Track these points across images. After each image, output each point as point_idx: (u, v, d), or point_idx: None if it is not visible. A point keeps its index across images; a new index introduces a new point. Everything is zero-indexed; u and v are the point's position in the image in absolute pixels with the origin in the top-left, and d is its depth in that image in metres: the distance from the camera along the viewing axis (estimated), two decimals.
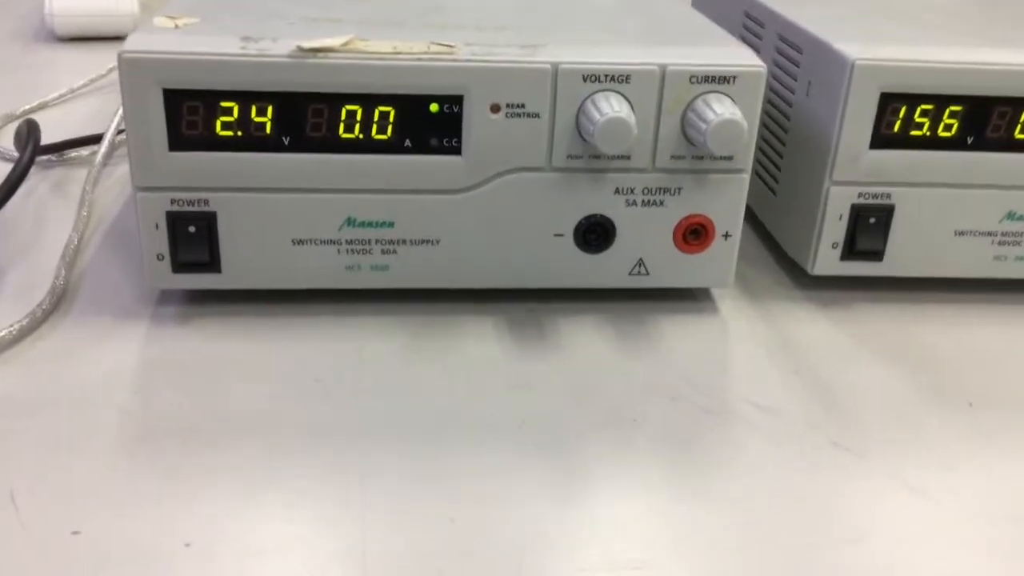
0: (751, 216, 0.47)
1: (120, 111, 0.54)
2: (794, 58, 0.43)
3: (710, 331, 0.40)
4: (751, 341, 0.39)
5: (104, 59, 0.71)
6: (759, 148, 0.46)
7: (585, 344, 0.38)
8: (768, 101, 0.46)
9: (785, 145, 0.44)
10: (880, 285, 0.43)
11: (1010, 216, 0.41)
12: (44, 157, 0.53)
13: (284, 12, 0.39)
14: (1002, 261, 0.41)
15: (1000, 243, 0.41)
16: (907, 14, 0.46)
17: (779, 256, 0.45)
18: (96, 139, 0.53)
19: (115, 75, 0.68)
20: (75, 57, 0.74)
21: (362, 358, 0.37)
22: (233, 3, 0.41)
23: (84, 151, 0.54)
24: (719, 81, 0.36)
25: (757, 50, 0.47)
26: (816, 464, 0.32)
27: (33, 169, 0.53)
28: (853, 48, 0.38)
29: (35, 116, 0.59)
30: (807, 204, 0.41)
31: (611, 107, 0.35)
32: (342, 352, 0.37)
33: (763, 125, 0.46)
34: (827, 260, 0.41)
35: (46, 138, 0.53)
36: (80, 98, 0.65)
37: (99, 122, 0.59)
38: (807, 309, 0.41)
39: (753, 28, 0.49)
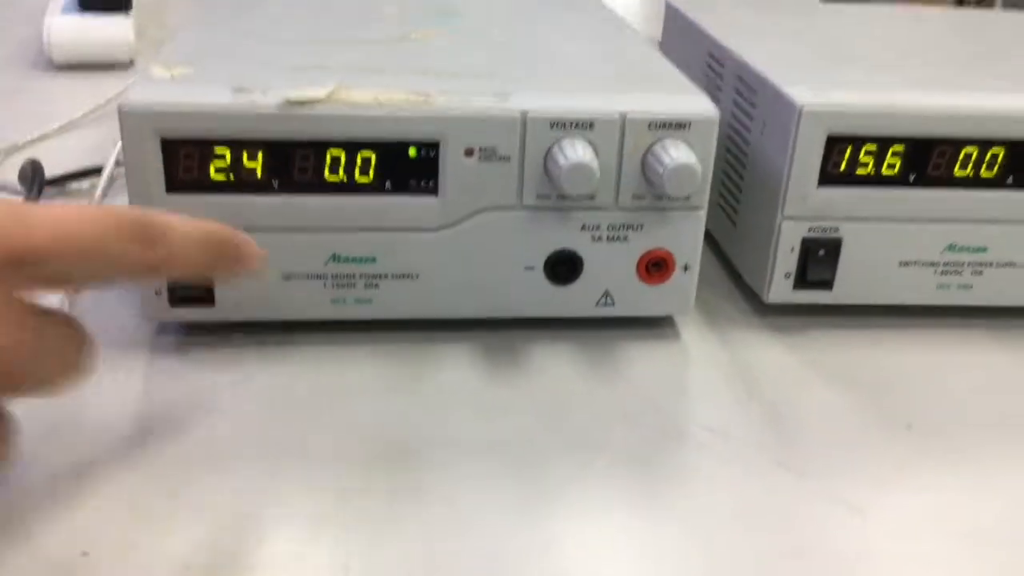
0: (715, 245, 0.50)
1: (120, 144, 0.56)
2: (750, 99, 0.46)
3: (672, 357, 0.42)
4: (710, 366, 0.42)
5: (101, 88, 0.74)
6: (722, 181, 0.49)
7: (555, 370, 0.41)
8: (729, 138, 0.49)
9: (743, 180, 0.47)
10: (831, 312, 0.45)
11: (951, 248, 0.44)
12: (47, 190, 0.56)
13: (272, 59, 0.42)
14: (945, 289, 0.44)
15: (943, 272, 0.44)
16: (859, 53, 0.50)
17: (739, 284, 0.48)
18: (96, 171, 0.56)
19: (113, 106, 0.70)
20: (73, 85, 0.77)
21: (345, 384, 0.39)
22: (224, 50, 0.44)
23: (85, 183, 0.56)
24: (675, 127, 0.39)
25: (719, 89, 0.50)
26: (762, 484, 0.35)
27: (35, 202, 0.56)
28: (801, 93, 0.41)
29: (35, 147, 0.62)
30: (762, 237, 0.44)
31: (576, 152, 0.38)
32: (327, 380, 0.40)
33: (725, 160, 0.49)
34: (781, 289, 0.44)
35: (47, 170, 0.55)
36: (79, 128, 0.67)
37: (99, 152, 0.61)
38: (763, 336, 0.44)
39: (715, 68, 0.52)
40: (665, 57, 0.47)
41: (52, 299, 0.43)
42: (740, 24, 0.55)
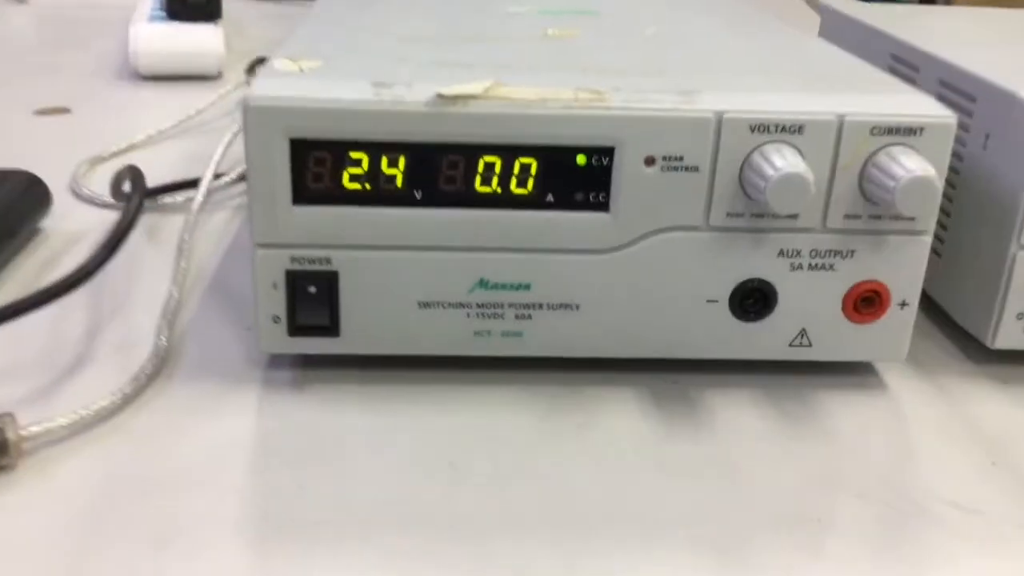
0: None
1: (217, 155, 0.51)
2: (965, 107, 0.39)
3: (881, 411, 0.35)
4: (930, 424, 0.34)
5: (189, 99, 0.69)
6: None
7: (742, 424, 0.34)
8: None
9: (952, 202, 0.39)
10: None
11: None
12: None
13: (408, 55, 0.36)
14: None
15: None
16: None
17: (947, 325, 0.40)
18: (192, 184, 0.51)
19: (203, 117, 0.66)
20: (159, 97, 0.73)
21: (495, 435, 0.33)
22: (352, 44, 0.38)
23: (179, 197, 0.51)
24: (904, 133, 0.32)
25: None
26: None
27: None
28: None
29: (120, 159, 0.58)
30: (986, 270, 0.37)
31: (786, 161, 0.31)
32: (473, 428, 0.33)
33: None
34: (1011, 332, 0.36)
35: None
36: (168, 140, 0.63)
37: (188, 166, 0.57)
38: (985, 387, 0.37)
39: (903, 72, 0.45)
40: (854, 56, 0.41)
41: (150, 324, 0.38)
42: (926, 25, 0.48)
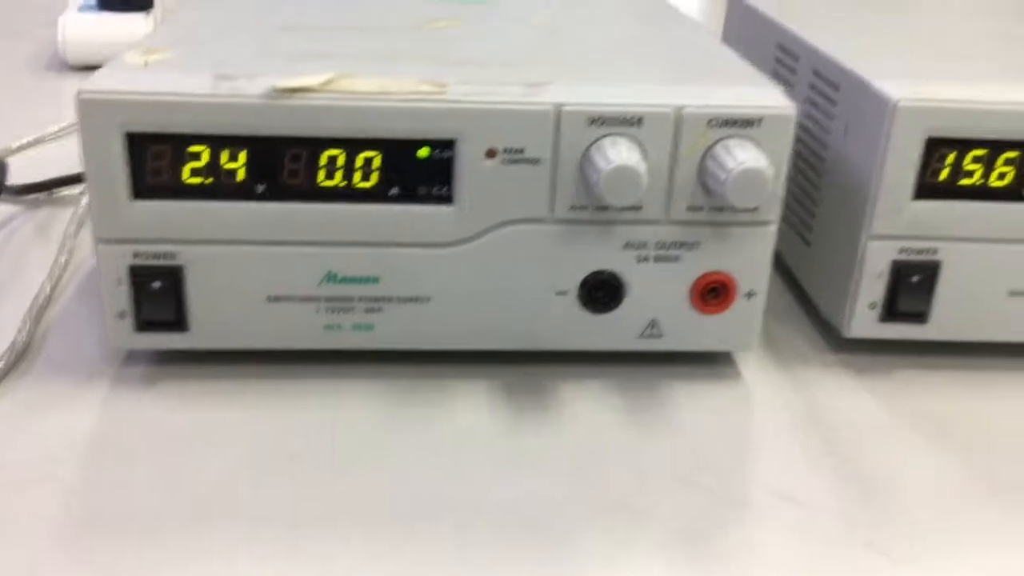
0: (783, 268, 0.43)
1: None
2: (830, 96, 0.39)
3: (731, 402, 0.35)
4: (777, 415, 0.35)
5: None
6: (792, 193, 0.42)
7: (590, 417, 0.34)
8: (802, 142, 0.41)
9: (819, 191, 0.40)
10: (924, 351, 0.38)
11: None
12: (32, 196, 0.51)
13: (269, 45, 0.36)
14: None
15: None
16: (958, 44, 0.42)
17: (813, 315, 0.41)
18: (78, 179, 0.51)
19: None
20: None
21: (337, 429, 0.33)
22: (215, 34, 0.38)
23: (76, 189, 0.51)
24: (742, 124, 0.32)
25: (791, 86, 0.43)
26: (849, 570, 0.28)
27: (21, 207, 0.51)
28: (895, 87, 0.34)
29: (30, 151, 0.57)
30: (843, 259, 0.37)
31: (619, 154, 0.31)
32: (316, 422, 0.33)
33: (796, 168, 0.42)
34: (864, 322, 0.37)
35: (41, 173, 0.51)
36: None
37: None
38: (841, 377, 0.37)
39: (787, 62, 0.45)
40: (727, 46, 0.41)
41: (17, 317, 0.38)
42: (814, 13, 0.48)
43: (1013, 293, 0.36)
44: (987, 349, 0.38)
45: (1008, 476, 0.32)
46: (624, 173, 0.31)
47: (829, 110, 0.39)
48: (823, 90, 0.40)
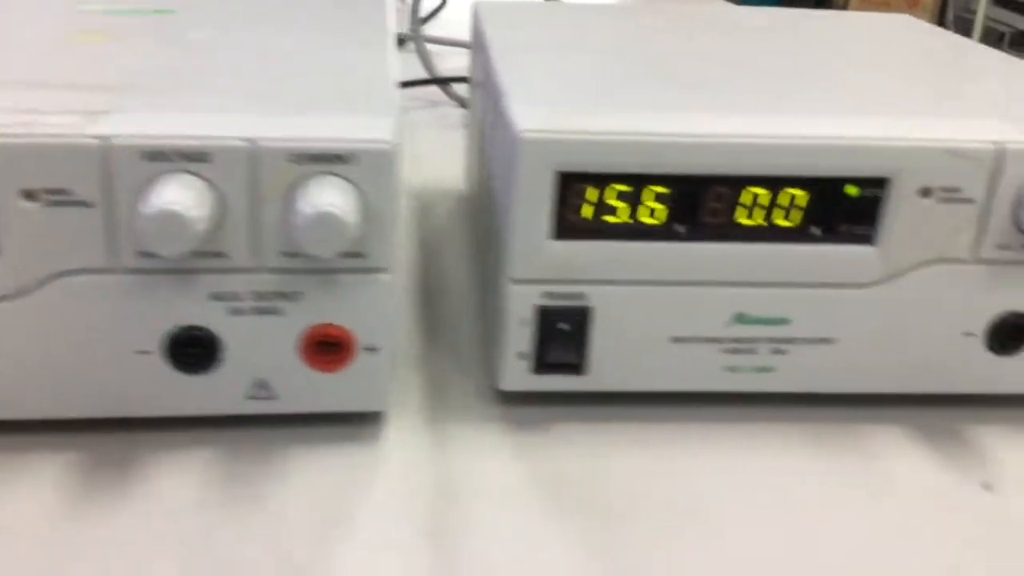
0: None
1: None
2: (496, 124, 0.35)
3: (351, 470, 0.31)
4: (405, 483, 0.31)
5: None
6: (479, 234, 0.39)
7: (176, 493, 0.29)
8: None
9: (488, 232, 0.36)
10: (589, 401, 0.34)
11: (740, 319, 0.33)
12: None
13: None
14: (736, 373, 0.34)
15: (729, 351, 0.33)
16: (627, 63, 0.38)
17: None
18: None
19: None
20: None
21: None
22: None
23: None
24: (331, 160, 0.28)
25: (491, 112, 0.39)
26: None
27: None
28: (529, 114, 0.31)
29: None
30: (493, 305, 0.33)
31: (170, 195, 0.27)
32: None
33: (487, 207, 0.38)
34: (516, 373, 0.33)
35: None
36: None
37: None
38: (495, 434, 0.33)
39: (482, 81, 0.41)
40: (391, 68, 0.36)
41: None
42: (526, 29, 0.45)
43: (675, 340, 0.33)
44: (654, 399, 0.34)
45: (628, 554, 0.28)
46: (169, 219, 0.26)
47: (494, 139, 0.35)
48: (495, 119, 0.36)
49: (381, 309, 0.30)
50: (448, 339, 0.39)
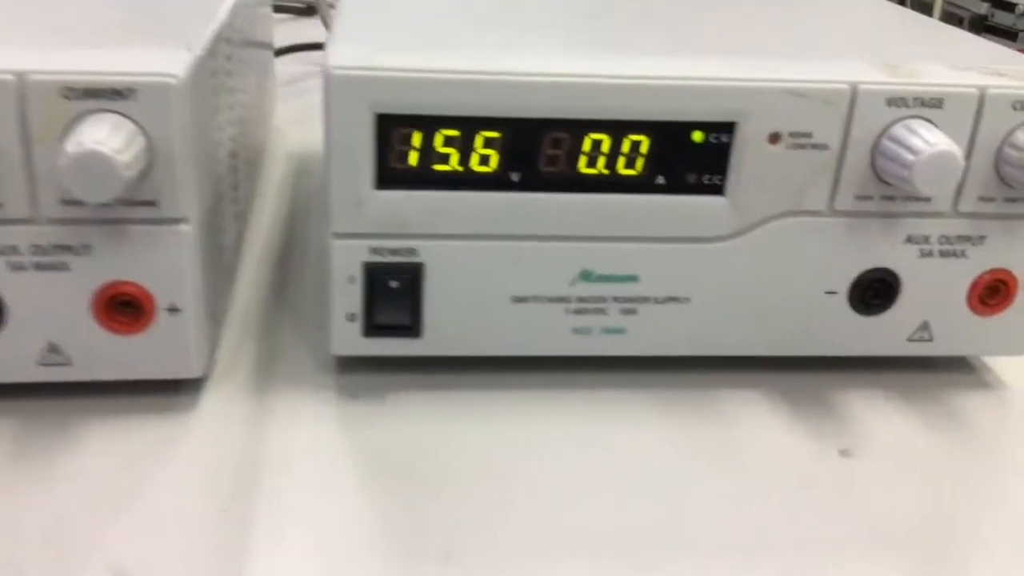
0: None
1: None
2: None
3: (155, 443, 0.28)
4: (201, 459, 0.28)
5: None
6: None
7: None
8: None
9: None
10: (430, 367, 0.32)
11: (585, 276, 0.31)
12: None
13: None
14: (581, 335, 0.31)
15: (575, 311, 0.31)
16: (477, 9, 0.35)
17: None
18: None
19: None
20: None
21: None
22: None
23: None
24: (108, 96, 0.25)
25: None
26: None
27: None
28: (345, 52, 0.28)
29: None
30: (324, 264, 0.31)
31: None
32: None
33: None
34: (346, 337, 0.30)
35: None
36: None
37: None
38: (321, 404, 0.31)
39: None
40: (222, 10, 0.33)
41: None
42: None
43: (517, 299, 0.31)
44: (497, 364, 0.32)
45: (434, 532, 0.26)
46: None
47: None
48: None
49: (179, 264, 0.28)
50: (297, 305, 0.36)
